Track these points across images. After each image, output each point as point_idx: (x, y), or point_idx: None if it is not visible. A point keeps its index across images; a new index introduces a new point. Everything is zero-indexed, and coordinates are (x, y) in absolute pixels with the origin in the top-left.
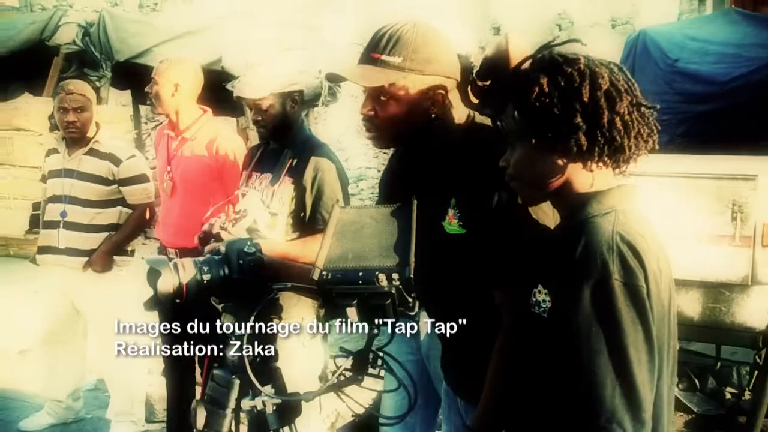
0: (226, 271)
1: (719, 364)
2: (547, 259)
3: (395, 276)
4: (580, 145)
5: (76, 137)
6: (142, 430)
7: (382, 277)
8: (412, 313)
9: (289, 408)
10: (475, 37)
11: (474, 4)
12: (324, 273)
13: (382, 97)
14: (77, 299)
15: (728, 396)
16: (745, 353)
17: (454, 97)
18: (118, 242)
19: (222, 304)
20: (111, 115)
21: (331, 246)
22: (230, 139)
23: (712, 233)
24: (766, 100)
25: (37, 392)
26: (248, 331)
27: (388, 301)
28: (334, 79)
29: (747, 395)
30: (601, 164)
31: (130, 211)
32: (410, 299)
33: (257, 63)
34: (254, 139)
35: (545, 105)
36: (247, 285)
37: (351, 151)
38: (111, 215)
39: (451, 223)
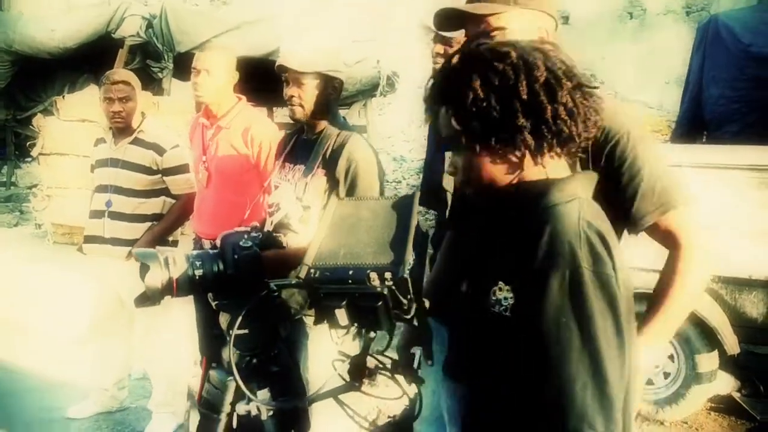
0: (221, 266)
1: None
2: (505, 254)
3: (388, 275)
4: (528, 145)
5: (121, 127)
6: (182, 422)
7: (373, 276)
8: (408, 317)
9: (292, 416)
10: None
11: None
12: (312, 270)
13: (490, 30)
14: (121, 289)
15: None
16: None
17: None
18: (160, 232)
19: (216, 302)
20: (173, 105)
21: (323, 241)
22: (265, 127)
23: None
24: None
25: (85, 380)
26: (236, 330)
27: (380, 303)
28: (444, 15)
29: None
30: (552, 155)
31: (174, 201)
32: (405, 301)
33: (307, 37)
34: None
35: (483, 110)
36: (242, 281)
37: (417, 142)
38: (155, 205)
39: None
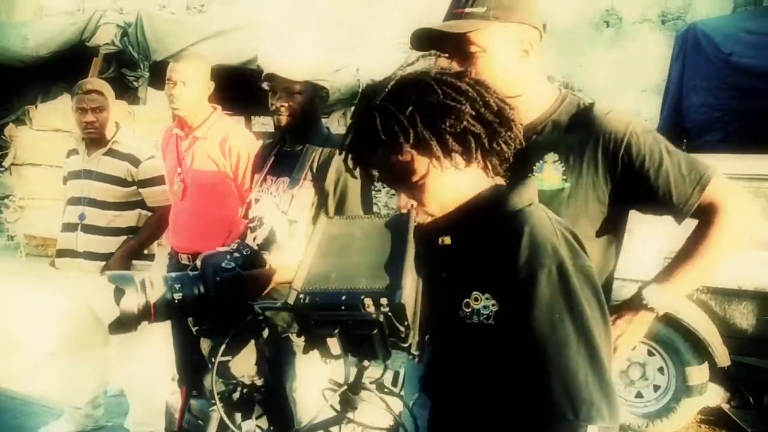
0: (201, 289)
1: None
2: (477, 264)
3: (384, 301)
4: (503, 155)
5: (94, 137)
6: None
7: (368, 302)
8: (405, 345)
9: None
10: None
11: None
12: (301, 296)
13: (470, 49)
14: (95, 304)
15: None
16: None
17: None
18: (136, 246)
19: (197, 327)
20: (150, 114)
21: (312, 263)
22: (243, 137)
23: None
24: None
25: (58, 398)
26: (219, 357)
27: (375, 331)
28: (421, 36)
29: None
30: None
31: (150, 214)
32: (402, 328)
33: (295, 47)
34: None
35: (463, 129)
36: (225, 305)
37: None
38: (130, 218)
39: None
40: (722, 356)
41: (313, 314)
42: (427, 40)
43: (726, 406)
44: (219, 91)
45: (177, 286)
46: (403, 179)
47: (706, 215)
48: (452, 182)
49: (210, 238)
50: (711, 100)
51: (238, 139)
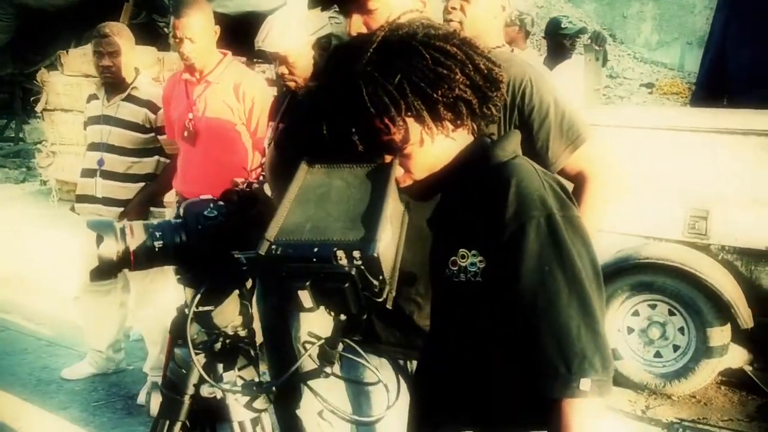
0: (183, 237)
1: None
2: (462, 221)
3: (357, 253)
4: (473, 111)
5: (111, 82)
6: None
7: (340, 254)
8: (380, 300)
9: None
10: None
11: None
12: (273, 246)
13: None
14: None
15: None
16: None
17: None
18: (154, 193)
19: (178, 276)
20: (179, 61)
21: (289, 213)
22: (256, 81)
23: None
24: None
25: (81, 341)
26: (199, 306)
27: (347, 284)
28: None
29: None
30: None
31: (168, 161)
32: (376, 282)
33: (278, 14)
34: None
35: (456, 97)
36: (206, 253)
37: None
38: (148, 165)
39: None
40: (746, 318)
41: (285, 266)
42: None
43: (748, 368)
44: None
45: (158, 234)
46: (389, 148)
47: (575, 187)
48: (439, 147)
49: (221, 185)
50: (758, 55)
51: (252, 83)
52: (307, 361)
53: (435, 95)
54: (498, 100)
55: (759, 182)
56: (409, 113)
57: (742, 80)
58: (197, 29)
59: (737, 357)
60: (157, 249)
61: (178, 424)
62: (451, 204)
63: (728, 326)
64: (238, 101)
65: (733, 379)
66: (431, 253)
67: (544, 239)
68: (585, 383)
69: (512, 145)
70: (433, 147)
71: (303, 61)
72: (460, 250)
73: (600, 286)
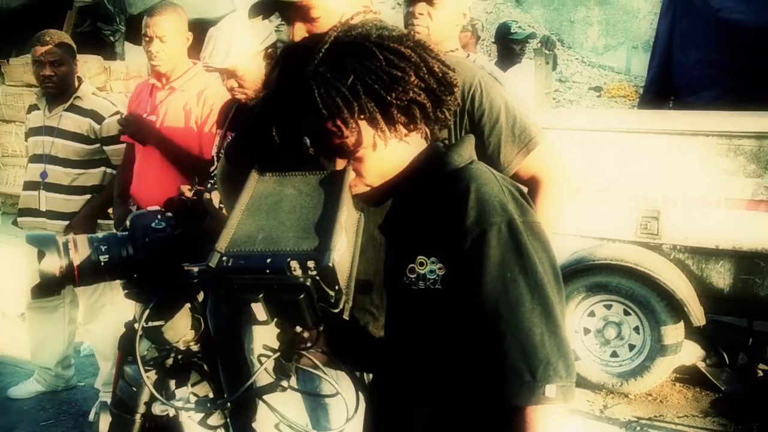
0: (130, 250)
1: (751, 339)
2: (419, 228)
3: (311, 263)
4: (442, 121)
5: (53, 93)
6: None
7: (294, 264)
8: (336, 311)
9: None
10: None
11: None
12: (224, 258)
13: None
14: None
15: (760, 374)
16: None
17: None
18: (101, 205)
19: (126, 290)
20: (127, 70)
21: (240, 223)
22: (220, 90)
23: (749, 198)
24: None
25: (29, 359)
26: (149, 321)
27: (302, 296)
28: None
29: None
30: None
31: (115, 172)
32: (331, 293)
33: (221, 26)
34: None
35: (410, 100)
36: (155, 266)
37: None
38: (94, 176)
39: None
40: (698, 315)
41: (237, 278)
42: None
43: (701, 365)
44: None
45: (103, 248)
46: (341, 152)
47: (529, 191)
48: (392, 152)
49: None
50: (706, 56)
51: (215, 91)
52: (263, 375)
53: (389, 98)
54: (452, 104)
55: (707, 182)
56: (362, 116)
57: (689, 82)
58: (168, 30)
59: (691, 354)
60: (102, 263)
61: None
62: (405, 210)
63: (681, 324)
64: (198, 105)
65: (687, 376)
66: (386, 261)
67: (506, 245)
68: (550, 389)
69: (468, 151)
70: (386, 151)
71: (251, 74)
72: (418, 257)
73: (561, 291)
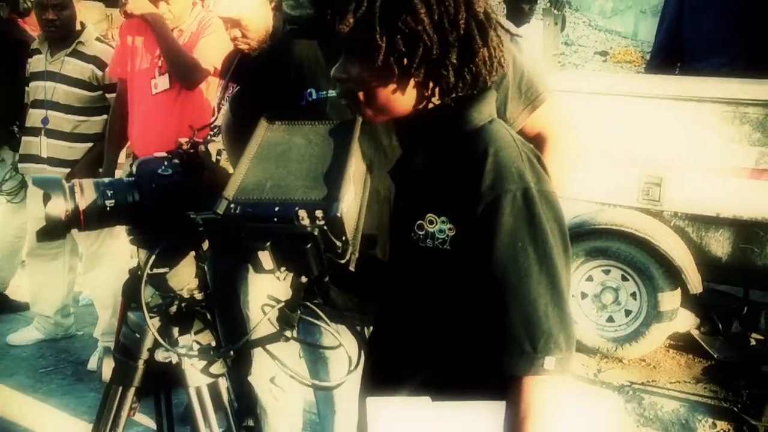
0: (136, 196)
1: (746, 307)
2: (432, 183)
3: (319, 213)
4: (448, 83)
5: (55, 37)
6: None
7: (302, 213)
8: (343, 261)
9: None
10: None
11: None
12: (232, 206)
13: None
14: None
15: (753, 342)
16: None
17: None
18: (103, 153)
19: (131, 236)
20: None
21: (248, 171)
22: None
23: (752, 167)
24: None
25: (29, 306)
26: (153, 268)
27: (309, 245)
28: None
29: None
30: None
31: None
32: (339, 243)
33: None
34: None
35: (416, 33)
36: (160, 213)
37: None
38: (96, 124)
39: None
40: (695, 283)
41: (244, 226)
42: None
43: (695, 332)
44: None
45: (109, 193)
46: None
47: (536, 147)
48: (395, 89)
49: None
50: (718, 22)
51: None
52: (264, 326)
53: (396, 19)
54: (472, 73)
55: (712, 149)
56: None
57: (700, 49)
58: None
59: (685, 321)
60: (108, 208)
61: (132, 390)
62: (419, 165)
63: (678, 291)
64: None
65: (680, 343)
66: (393, 215)
67: (519, 214)
68: (549, 362)
69: (489, 107)
70: (388, 87)
71: (256, 24)
72: (428, 214)
73: (569, 262)
